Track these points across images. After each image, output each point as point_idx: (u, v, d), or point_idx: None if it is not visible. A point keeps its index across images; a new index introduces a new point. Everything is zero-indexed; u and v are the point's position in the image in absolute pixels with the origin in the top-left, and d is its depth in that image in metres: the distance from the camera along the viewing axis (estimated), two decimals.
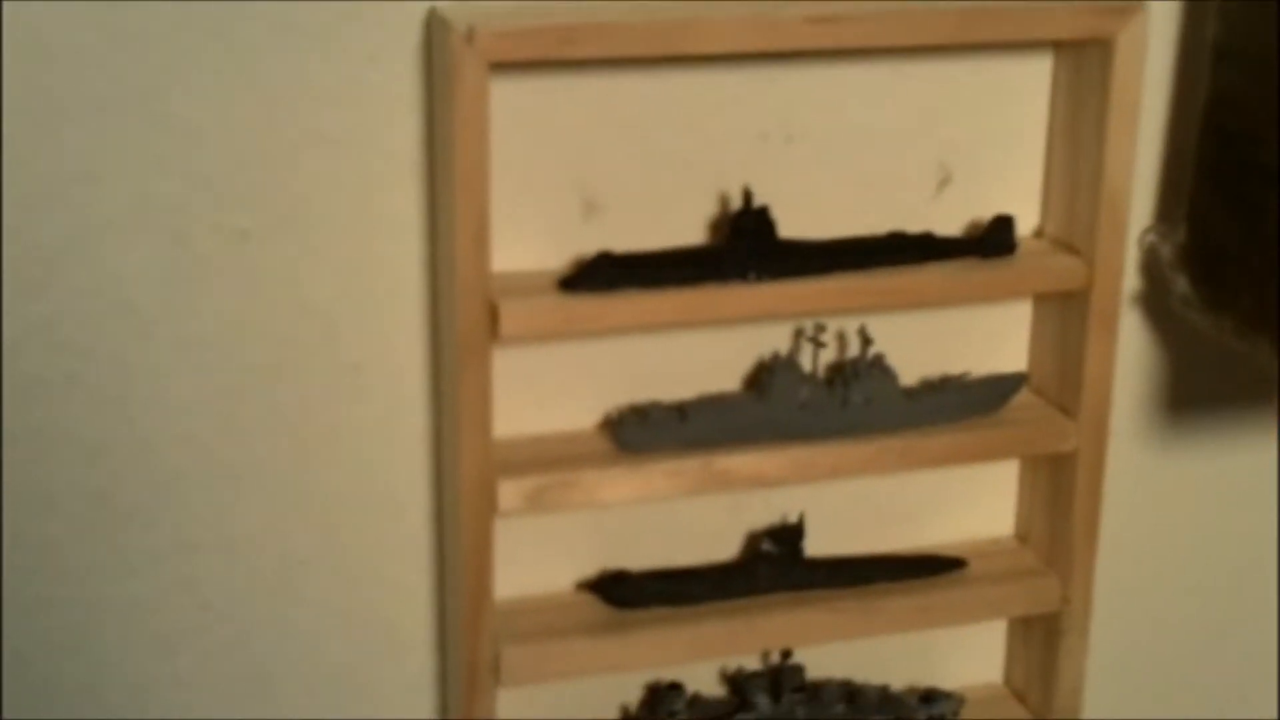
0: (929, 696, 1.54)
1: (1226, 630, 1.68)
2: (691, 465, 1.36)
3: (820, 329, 1.39)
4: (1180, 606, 1.66)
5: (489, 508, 1.31)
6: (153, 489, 1.32)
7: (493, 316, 1.27)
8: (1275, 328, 1.34)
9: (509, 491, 1.31)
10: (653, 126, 1.33)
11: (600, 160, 1.33)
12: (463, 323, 1.26)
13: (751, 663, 1.51)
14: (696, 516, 1.44)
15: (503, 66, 1.23)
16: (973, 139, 1.42)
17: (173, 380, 1.30)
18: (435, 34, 1.25)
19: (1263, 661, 1.71)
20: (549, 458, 1.35)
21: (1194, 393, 1.56)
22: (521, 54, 1.22)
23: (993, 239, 1.40)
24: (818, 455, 1.39)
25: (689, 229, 1.36)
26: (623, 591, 1.41)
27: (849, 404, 1.39)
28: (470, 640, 1.34)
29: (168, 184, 1.25)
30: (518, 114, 1.29)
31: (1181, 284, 1.44)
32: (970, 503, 1.53)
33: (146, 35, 1.22)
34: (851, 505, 1.49)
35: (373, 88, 1.27)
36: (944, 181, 1.42)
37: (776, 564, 1.45)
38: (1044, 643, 1.52)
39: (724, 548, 1.47)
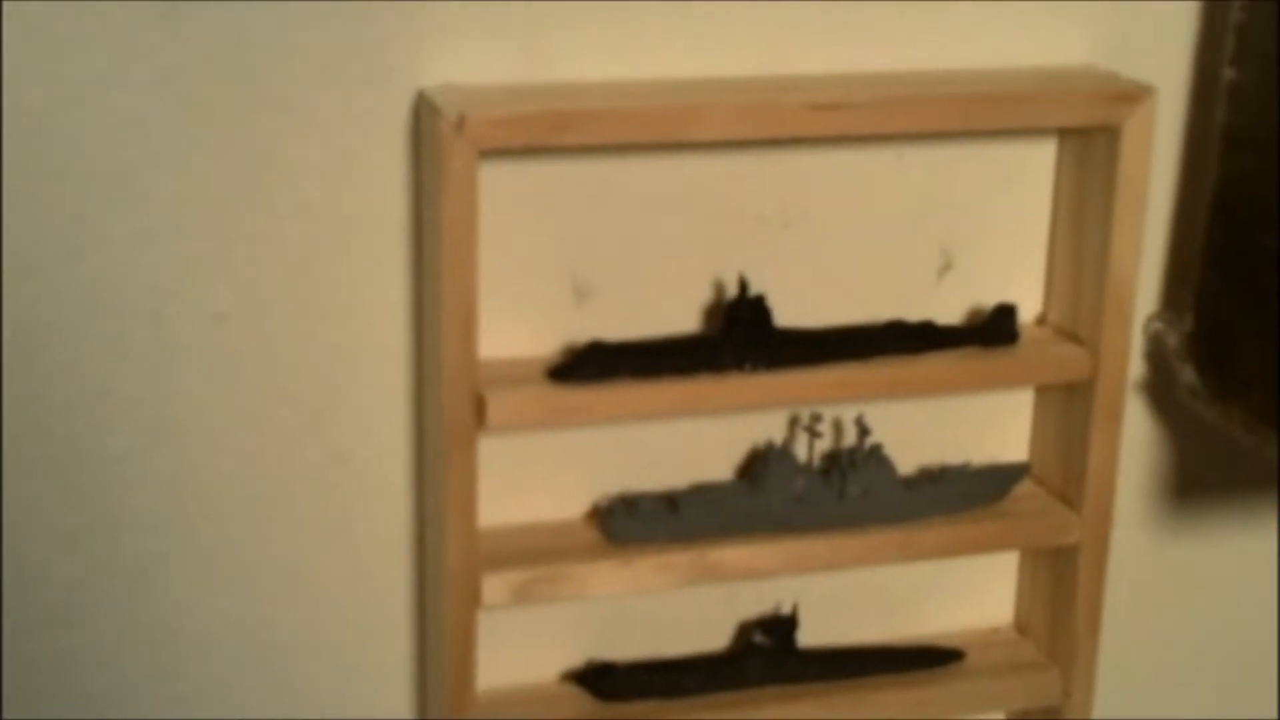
0: None
1: None
2: (682, 558, 1.32)
3: (816, 418, 1.36)
4: (1185, 700, 1.62)
5: (473, 600, 1.28)
6: (128, 577, 1.28)
7: (480, 406, 1.23)
8: None
9: (494, 585, 1.28)
10: (647, 211, 1.30)
11: (592, 245, 1.30)
12: (449, 412, 1.23)
13: None
14: (687, 607, 1.41)
15: (493, 152, 1.20)
16: (975, 225, 1.39)
17: (149, 465, 1.26)
18: (424, 118, 1.22)
19: None
20: (536, 549, 1.31)
21: (1199, 482, 1.53)
22: (513, 141, 1.19)
23: (994, 328, 1.38)
24: (813, 547, 1.36)
25: (683, 316, 1.33)
26: (610, 683, 1.38)
27: (846, 495, 1.36)
28: None
29: (147, 263, 1.22)
30: (508, 197, 1.26)
31: (1188, 374, 1.42)
32: (969, 593, 1.50)
33: (132, 110, 1.19)
34: (847, 594, 1.46)
35: (359, 169, 1.24)
36: (945, 268, 1.39)
37: (768, 656, 1.41)
38: None
39: (715, 638, 1.44)
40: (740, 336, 1.29)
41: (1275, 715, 1.65)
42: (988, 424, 1.44)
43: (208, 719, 1.34)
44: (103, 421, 1.24)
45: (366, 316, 1.27)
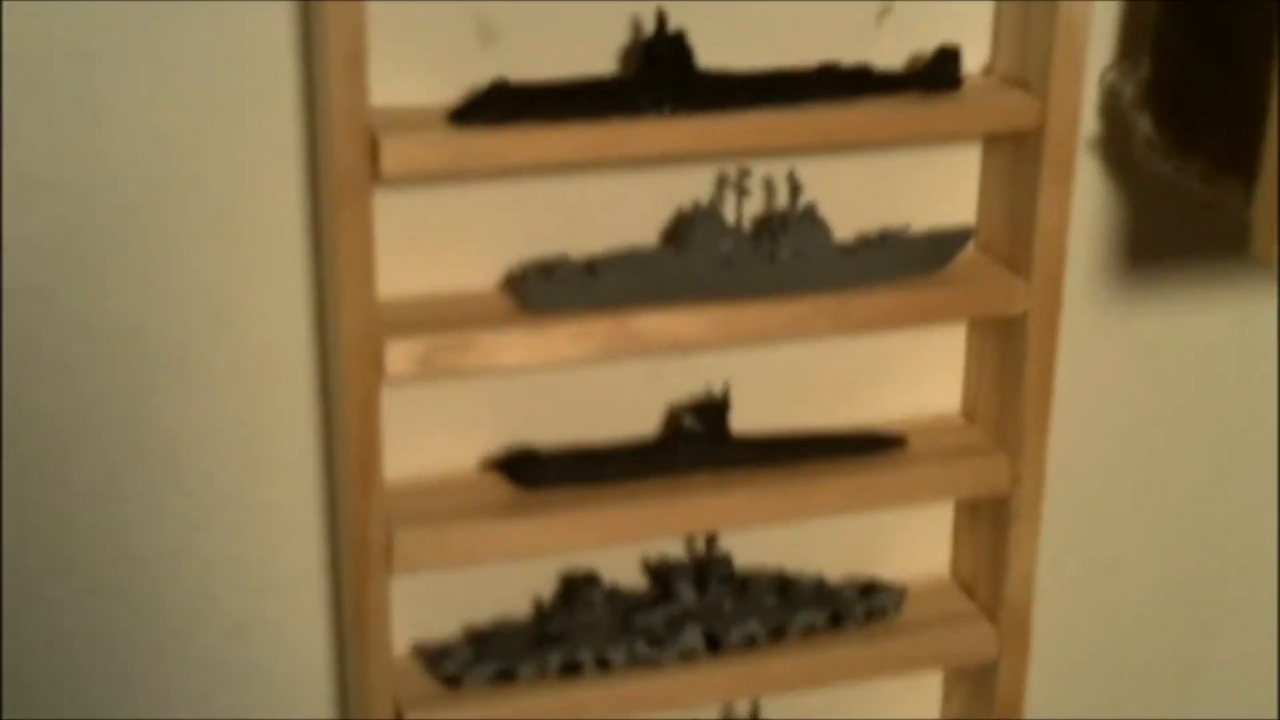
0: (868, 588, 1.41)
1: (1191, 512, 1.55)
2: (601, 326, 1.22)
3: (745, 175, 1.25)
4: (1140, 486, 1.53)
5: (375, 371, 1.17)
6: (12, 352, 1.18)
7: (373, 152, 1.12)
8: (1247, 167, 1.21)
9: (397, 353, 1.17)
10: None
11: None
12: (339, 159, 1.11)
13: (675, 550, 1.38)
14: (612, 387, 1.31)
15: None
16: None
17: (30, 224, 1.15)
18: None
19: (1227, 553, 1.58)
20: (443, 317, 1.21)
21: (1156, 248, 1.43)
22: None
23: (935, 72, 1.27)
24: (742, 315, 1.26)
25: (597, 57, 1.22)
26: (530, 470, 1.28)
27: (777, 259, 1.26)
28: (359, 521, 1.20)
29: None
30: None
31: (1144, 124, 1.32)
32: (913, 374, 1.40)
33: None
34: (782, 376, 1.36)
35: None
36: (884, 10, 1.28)
37: (699, 441, 1.32)
38: (992, 530, 1.40)
39: (643, 422, 1.34)
40: (658, 77, 1.19)
41: (1242, 498, 1.57)
42: (932, 185, 1.34)
43: (98, 512, 1.23)
44: None
45: (250, 58, 1.16)
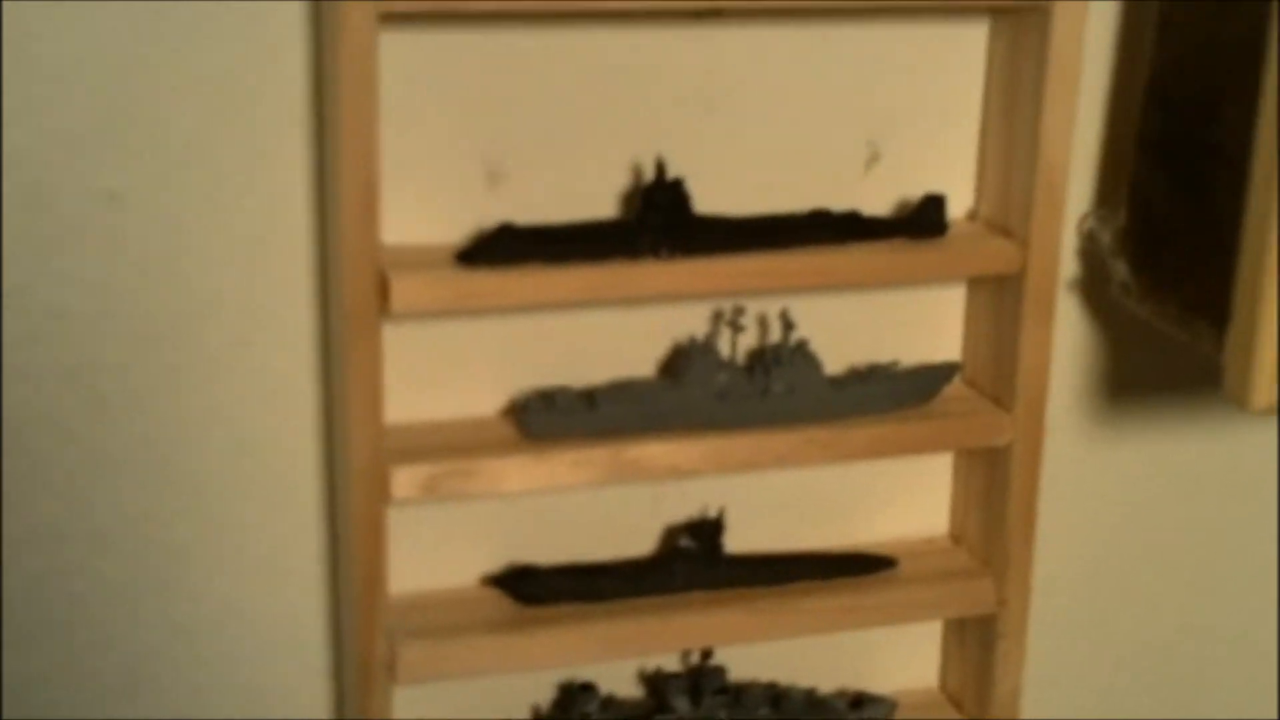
0: (859, 701, 1.44)
1: (1171, 628, 1.58)
2: (600, 454, 1.25)
3: (739, 312, 1.29)
4: (1122, 605, 1.55)
5: (381, 495, 1.20)
6: (15, 476, 1.21)
7: (383, 289, 1.16)
8: (1217, 312, 1.24)
9: (403, 479, 1.21)
10: (563, 90, 1.23)
11: (505, 125, 1.23)
12: (350, 295, 1.16)
13: (671, 664, 1.41)
14: (610, 509, 1.35)
15: (397, 18, 1.13)
16: (904, 112, 1.32)
17: (36, 354, 1.18)
18: None
19: (1211, 660, 1.61)
20: (447, 444, 1.24)
21: (1133, 382, 1.46)
22: (416, 3, 1.12)
23: (922, 219, 1.31)
24: (735, 445, 1.29)
25: (599, 201, 1.26)
26: (530, 586, 1.31)
27: (770, 392, 1.29)
28: (364, 635, 1.23)
29: (32, 140, 1.14)
30: (415, 72, 1.19)
31: (1121, 270, 1.35)
32: (902, 499, 1.43)
33: None
34: (776, 500, 1.39)
35: (257, 38, 1.16)
36: (873, 159, 1.32)
37: (694, 561, 1.34)
38: (980, 645, 1.42)
39: (640, 543, 1.37)
40: (657, 222, 1.22)
41: (1220, 616, 1.59)
42: (918, 322, 1.38)
43: (103, 622, 1.26)
44: None
45: (266, 196, 1.20)
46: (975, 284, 1.36)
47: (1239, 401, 1.21)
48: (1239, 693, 1.62)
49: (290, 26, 1.16)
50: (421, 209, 1.22)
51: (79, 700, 1.27)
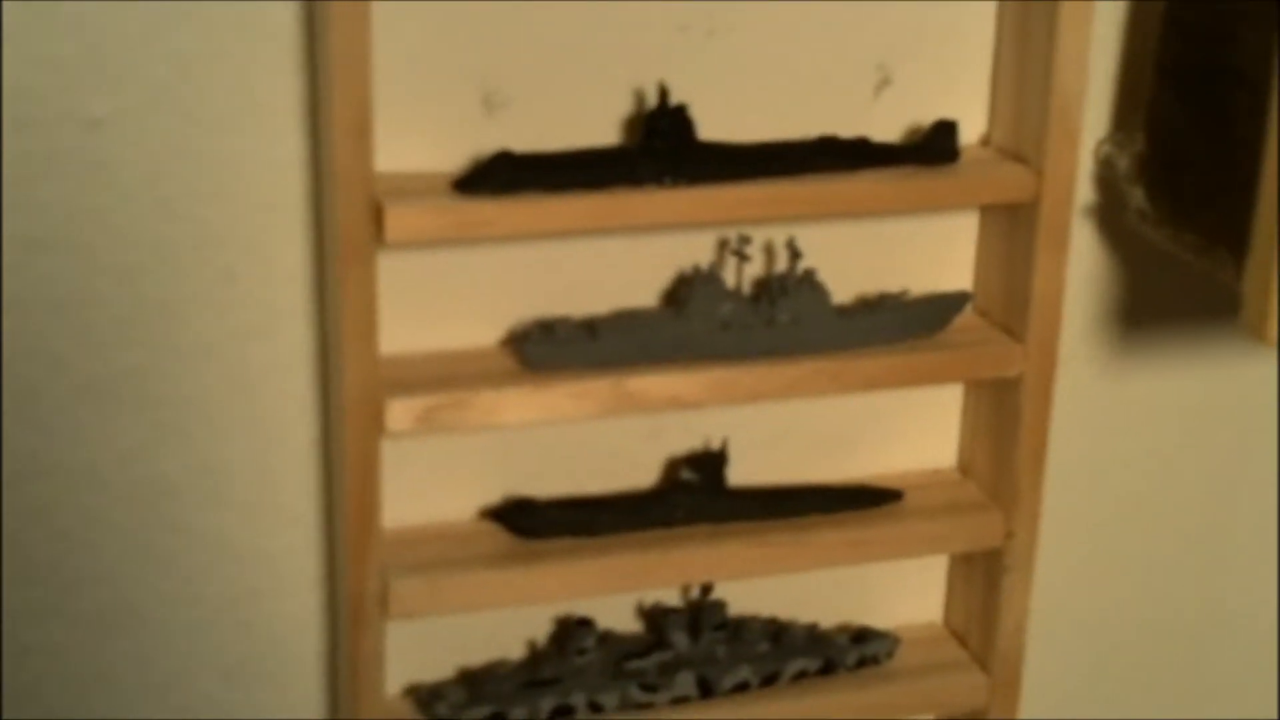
0: (861, 636, 1.43)
1: (1180, 567, 1.58)
2: (601, 386, 1.24)
3: (745, 241, 1.28)
4: (1132, 542, 1.55)
5: (375, 428, 1.19)
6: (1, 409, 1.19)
7: (377, 218, 1.15)
8: (1237, 239, 1.23)
9: (397, 411, 1.20)
10: (562, 13, 1.21)
11: (502, 51, 1.21)
12: (344, 224, 1.14)
13: (670, 598, 1.40)
14: (610, 441, 1.34)
15: None
16: (915, 35, 1.30)
17: (20, 282, 1.17)
18: None
19: (1219, 599, 1.60)
20: (444, 375, 1.23)
21: (1148, 313, 1.45)
22: None
23: (933, 145, 1.29)
24: (739, 377, 1.28)
25: (600, 128, 1.25)
26: (528, 520, 1.30)
27: (775, 322, 1.29)
28: (356, 569, 1.22)
29: (12, 67, 1.12)
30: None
31: (1138, 197, 1.34)
32: (909, 431, 1.43)
33: None
34: (780, 431, 1.38)
35: None
36: (882, 83, 1.31)
37: (696, 493, 1.34)
38: (985, 581, 1.42)
39: (641, 475, 1.36)
40: (659, 149, 1.21)
41: (1231, 555, 1.59)
42: (929, 251, 1.36)
43: (92, 558, 1.26)
44: None
45: (257, 122, 1.18)
46: (988, 212, 1.35)
47: (1256, 333, 1.20)
48: (1244, 631, 1.61)
49: None
50: (417, 136, 1.20)
51: (70, 635, 1.26)
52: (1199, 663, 1.61)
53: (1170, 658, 1.60)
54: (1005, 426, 1.37)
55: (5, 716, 1.25)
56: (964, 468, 1.44)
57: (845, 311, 1.32)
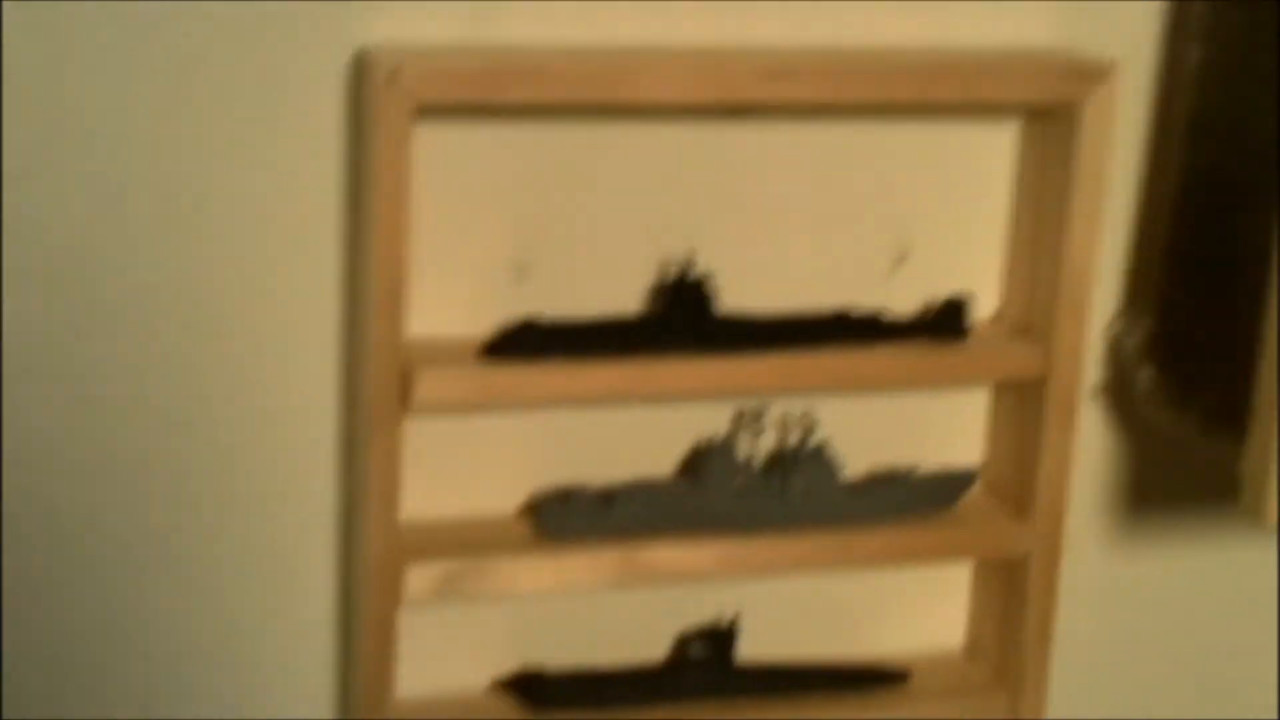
0: None
1: None
2: (615, 555, 1.29)
3: (761, 413, 1.33)
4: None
5: (394, 593, 1.23)
6: (21, 581, 1.23)
7: (406, 383, 1.20)
8: (1241, 422, 1.28)
9: (418, 577, 1.24)
10: (591, 184, 1.27)
11: (532, 218, 1.27)
12: (374, 388, 1.19)
13: None
14: (623, 612, 1.37)
15: (430, 111, 1.17)
16: (933, 211, 1.36)
17: (47, 445, 1.22)
18: (361, 74, 1.18)
19: None
20: (464, 542, 1.27)
21: (1156, 494, 1.50)
22: (449, 96, 1.16)
23: (943, 322, 1.35)
24: (750, 548, 1.33)
25: (625, 296, 1.30)
26: (540, 692, 1.34)
27: (787, 495, 1.33)
28: None
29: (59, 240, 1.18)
30: (446, 164, 1.22)
31: (1146, 377, 1.39)
32: (919, 609, 1.46)
33: (79, 79, 1.16)
34: (790, 605, 1.42)
35: (294, 131, 1.20)
36: (900, 258, 1.37)
37: (705, 669, 1.38)
38: None
39: (652, 647, 1.40)
40: (682, 319, 1.27)
41: None
42: (940, 427, 1.41)
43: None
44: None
45: (296, 287, 1.23)
46: (999, 389, 1.40)
47: (1256, 516, 1.25)
48: None
49: (327, 118, 1.20)
50: (448, 300, 1.25)
51: None
52: None
53: None
54: (1012, 606, 1.41)
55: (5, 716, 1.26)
56: (971, 648, 1.47)
57: (855, 487, 1.36)
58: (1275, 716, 1.62)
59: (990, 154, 1.36)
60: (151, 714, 1.28)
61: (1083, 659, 1.51)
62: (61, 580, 1.24)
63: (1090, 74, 1.28)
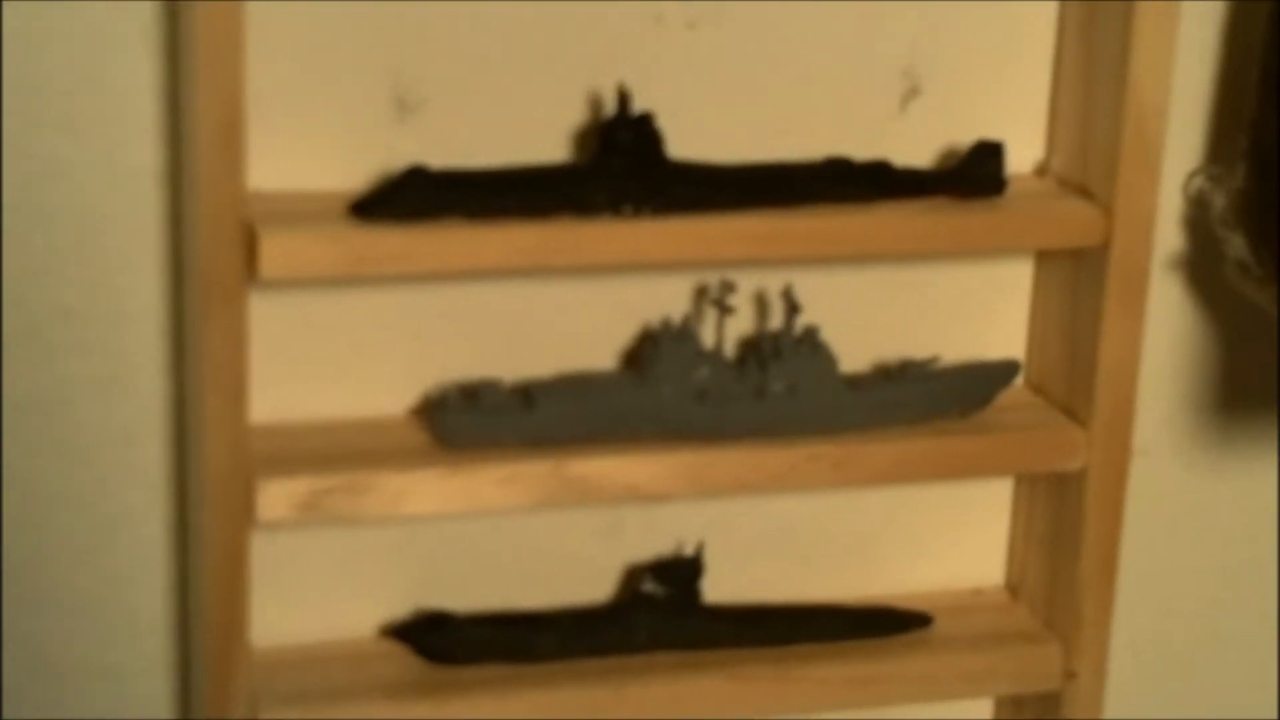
0: None
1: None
2: (536, 468, 1.25)
3: (729, 288, 1.29)
4: (1222, 681, 1.56)
5: (243, 516, 1.19)
6: None
7: (250, 248, 1.15)
8: None
9: (272, 494, 1.20)
10: None
11: (423, 40, 1.22)
12: (206, 256, 1.15)
13: None
14: (551, 541, 1.34)
15: None
16: (953, 32, 1.32)
17: None
18: None
19: None
20: (335, 451, 1.24)
21: (1249, 390, 1.47)
22: None
23: (972, 172, 1.30)
24: (718, 462, 1.28)
25: (543, 141, 1.26)
26: (443, 640, 1.31)
27: (766, 393, 1.29)
28: (216, 697, 1.22)
29: None
30: None
31: (1237, 245, 1.35)
32: (943, 538, 1.44)
33: None
34: (772, 535, 1.39)
35: None
36: (910, 93, 1.32)
37: (661, 611, 1.34)
38: None
39: (591, 586, 1.37)
40: (618, 167, 1.22)
41: None
42: (968, 309, 1.38)
43: None
44: None
45: (106, 128, 1.19)
46: (1044, 259, 1.37)
47: None
48: None
49: None
50: (308, 145, 1.21)
51: None
52: None
53: None
54: (1065, 535, 1.38)
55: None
56: (1012, 586, 1.45)
57: (857, 382, 1.33)
58: None
59: None
60: None
61: (1154, 599, 1.48)
62: None
63: None
